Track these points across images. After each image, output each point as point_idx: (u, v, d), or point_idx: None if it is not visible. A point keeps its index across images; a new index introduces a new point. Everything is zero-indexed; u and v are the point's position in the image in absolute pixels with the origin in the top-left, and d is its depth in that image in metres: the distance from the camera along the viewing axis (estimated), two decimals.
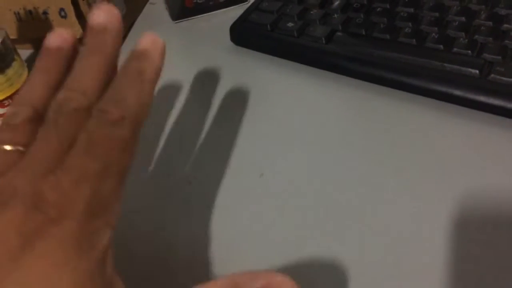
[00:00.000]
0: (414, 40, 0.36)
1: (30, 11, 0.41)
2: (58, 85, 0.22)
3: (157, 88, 0.40)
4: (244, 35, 0.42)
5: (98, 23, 0.23)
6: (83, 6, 0.40)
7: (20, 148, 0.20)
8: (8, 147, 0.20)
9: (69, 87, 0.21)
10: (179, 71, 0.42)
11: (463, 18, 0.37)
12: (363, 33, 0.38)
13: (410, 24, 0.37)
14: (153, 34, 0.23)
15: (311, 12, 0.41)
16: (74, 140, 0.20)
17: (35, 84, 0.22)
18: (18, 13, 0.41)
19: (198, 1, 0.46)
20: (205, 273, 0.26)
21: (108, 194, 0.19)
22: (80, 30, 0.40)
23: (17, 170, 0.19)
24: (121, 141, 0.20)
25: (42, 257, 0.17)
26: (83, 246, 0.18)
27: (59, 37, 0.24)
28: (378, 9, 0.39)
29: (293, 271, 0.26)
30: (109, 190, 0.19)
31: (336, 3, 0.41)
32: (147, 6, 0.51)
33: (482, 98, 0.32)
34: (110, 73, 0.22)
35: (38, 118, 0.21)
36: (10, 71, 0.35)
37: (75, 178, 0.18)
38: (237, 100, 0.37)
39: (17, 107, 0.22)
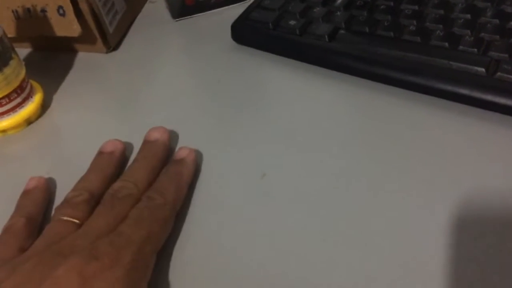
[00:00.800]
0: (419, 38, 0.35)
1: (28, 9, 0.40)
2: (109, 178, 0.30)
3: (158, 87, 0.40)
4: (245, 33, 0.41)
5: (152, 138, 0.32)
6: (81, 4, 0.40)
7: (76, 221, 0.27)
8: (65, 218, 0.27)
9: (125, 179, 0.29)
10: (180, 70, 0.41)
11: (468, 16, 0.36)
12: (367, 31, 0.37)
13: (414, 21, 0.37)
14: (189, 147, 0.32)
15: (314, 10, 0.40)
16: (124, 218, 0.26)
17: (91, 177, 0.30)
18: (16, 11, 0.41)
19: None
20: (201, 277, 0.26)
21: (147, 255, 0.25)
22: (79, 29, 0.39)
23: (76, 234, 0.25)
24: (163, 219, 0.27)
25: None
26: None
27: (112, 144, 0.32)
28: (382, 6, 0.39)
29: (294, 273, 0.25)
30: (149, 252, 0.25)
31: (339, 0, 0.41)
32: (147, 4, 0.51)
33: (488, 97, 0.31)
34: (158, 171, 0.30)
35: (93, 200, 0.28)
36: (7, 70, 0.34)
37: (125, 239, 0.24)
38: (239, 99, 0.37)
39: (77, 191, 0.28)
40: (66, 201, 0.28)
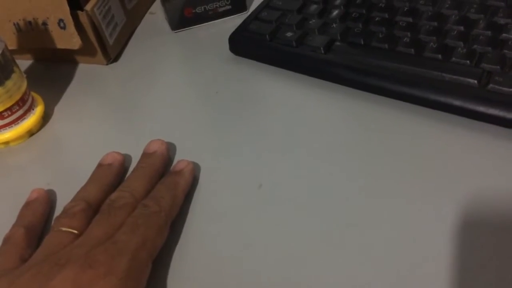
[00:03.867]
0: (413, 49, 0.36)
1: (29, 22, 0.41)
2: (107, 189, 0.31)
3: (157, 98, 0.40)
4: (243, 44, 0.42)
5: (151, 150, 0.33)
6: (82, 17, 0.40)
7: (74, 231, 0.27)
8: (64, 229, 0.27)
9: (122, 189, 0.30)
10: (178, 81, 0.42)
11: (461, 28, 0.37)
12: (362, 42, 0.38)
13: (408, 33, 0.37)
14: (187, 160, 0.32)
15: (310, 22, 0.41)
16: (121, 226, 0.26)
17: (89, 188, 0.31)
18: (18, 24, 0.41)
19: (197, 11, 0.46)
20: (199, 286, 0.26)
21: (142, 262, 0.25)
22: (79, 42, 0.40)
23: (74, 244, 0.26)
24: (157, 226, 0.27)
25: None
26: None
27: (111, 156, 0.33)
28: (377, 18, 0.39)
29: (292, 282, 0.26)
30: (144, 259, 0.25)
31: (335, 12, 0.41)
32: (147, 16, 0.51)
33: (481, 108, 0.32)
34: (155, 181, 0.31)
35: (90, 210, 0.29)
36: (9, 83, 0.35)
37: (120, 246, 0.25)
38: (236, 110, 0.37)
39: (75, 202, 0.29)
40: (64, 212, 0.29)
